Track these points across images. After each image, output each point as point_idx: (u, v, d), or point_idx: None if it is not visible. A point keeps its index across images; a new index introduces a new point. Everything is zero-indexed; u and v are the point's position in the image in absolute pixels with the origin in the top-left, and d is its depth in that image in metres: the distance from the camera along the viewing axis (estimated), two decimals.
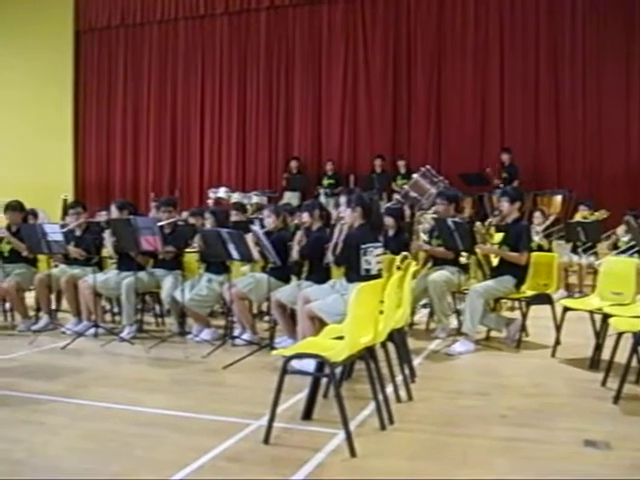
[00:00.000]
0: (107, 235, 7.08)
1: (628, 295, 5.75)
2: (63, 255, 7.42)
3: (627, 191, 11.92)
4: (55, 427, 4.23)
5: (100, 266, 7.48)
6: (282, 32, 14.57)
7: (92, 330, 6.93)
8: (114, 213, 7.31)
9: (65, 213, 7.98)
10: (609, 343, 5.20)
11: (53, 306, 7.75)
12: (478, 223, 6.66)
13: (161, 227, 6.86)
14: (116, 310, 7.86)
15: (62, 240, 7.02)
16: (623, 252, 8.78)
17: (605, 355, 5.33)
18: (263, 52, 14.70)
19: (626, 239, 9.27)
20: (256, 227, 6.44)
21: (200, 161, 15.23)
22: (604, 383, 5.00)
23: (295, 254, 6.20)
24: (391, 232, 7.09)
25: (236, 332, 6.68)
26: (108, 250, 7.27)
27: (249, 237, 6.27)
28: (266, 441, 3.87)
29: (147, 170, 15.71)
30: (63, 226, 7.38)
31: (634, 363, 4.79)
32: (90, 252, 7.30)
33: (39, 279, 7.36)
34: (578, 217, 10.12)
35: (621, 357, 4.79)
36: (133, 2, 15.66)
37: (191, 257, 7.25)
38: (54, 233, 6.97)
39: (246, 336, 6.56)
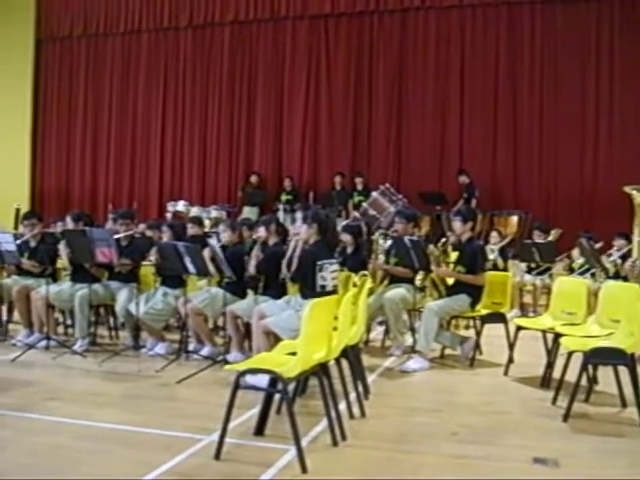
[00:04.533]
0: (62, 246, 6.97)
1: (580, 315, 5.85)
2: (16, 266, 7.28)
3: (581, 213, 12.17)
4: (2, 441, 4.15)
5: (54, 277, 7.36)
6: (246, 47, 14.56)
7: (44, 342, 6.78)
8: (69, 224, 7.21)
9: (17, 223, 7.83)
10: (560, 362, 5.27)
11: (4, 317, 7.60)
12: (431, 246, 6.71)
13: (117, 239, 6.79)
14: (69, 322, 7.72)
15: (15, 250, 6.90)
16: (581, 274, 8.90)
17: (556, 374, 5.41)
18: (226, 66, 14.66)
19: (581, 261, 9.42)
20: (213, 241, 6.41)
21: (160, 174, 15.09)
22: (554, 401, 5.07)
23: (252, 269, 6.19)
24: (349, 249, 7.10)
25: (191, 347, 6.62)
26: (63, 261, 7.16)
27: (206, 252, 6.24)
28: (217, 457, 3.85)
29: (107, 182, 15.50)
30: (16, 236, 7.26)
31: (583, 382, 4.89)
32: (44, 263, 7.17)
33: None
34: None
35: (571, 376, 4.86)
36: (96, 12, 15.45)
37: (147, 270, 7.17)
38: (7, 243, 6.86)
39: (205, 351, 6.50)
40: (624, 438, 4.46)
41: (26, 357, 6.43)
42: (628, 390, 4.88)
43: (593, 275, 8.75)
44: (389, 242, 7.43)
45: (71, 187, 15.81)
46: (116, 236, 6.78)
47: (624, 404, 5.04)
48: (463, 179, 12.47)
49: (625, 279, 7.87)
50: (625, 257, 8.49)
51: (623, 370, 4.91)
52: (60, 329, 7.66)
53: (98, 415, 4.70)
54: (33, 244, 7.30)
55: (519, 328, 6.02)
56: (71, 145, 15.86)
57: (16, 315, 7.53)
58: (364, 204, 11.77)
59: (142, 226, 8.42)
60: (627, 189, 6.63)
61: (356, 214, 11.64)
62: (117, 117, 15.45)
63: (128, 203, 14.35)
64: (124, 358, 6.53)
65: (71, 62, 15.87)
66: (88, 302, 6.76)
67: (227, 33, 14.68)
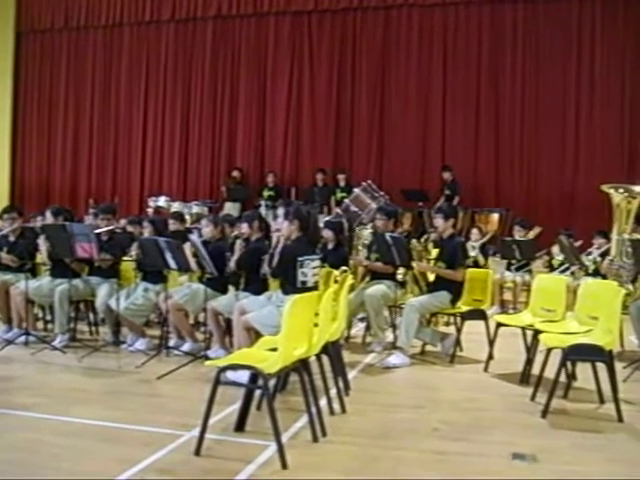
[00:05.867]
0: (42, 241, 6.92)
1: (559, 312, 5.90)
2: None
3: (561, 210, 12.27)
4: None
5: (33, 272, 7.30)
6: (228, 42, 14.50)
7: (23, 338, 6.75)
8: (49, 219, 7.16)
9: None
10: (540, 358, 5.31)
11: None
12: (414, 241, 6.74)
13: (98, 234, 6.75)
14: (49, 318, 7.68)
15: None
16: (563, 272, 8.96)
17: (535, 370, 5.45)
18: (208, 61, 14.59)
19: (560, 258, 9.50)
20: (194, 236, 6.39)
21: (141, 169, 15.00)
22: (533, 397, 5.12)
23: (232, 264, 6.18)
24: (331, 245, 7.11)
25: (171, 342, 6.60)
26: (42, 256, 7.10)
27: (187, 247, 6.23)
28: (197, 453, 3.85)
29: (88, 177, 15.38)
30: None
31: (562, 378, 4.93)
32: (23, 258, 7.11)
33: None
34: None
35: (550, 372, 4.89)
36: (77, 5, 15.29)
37: (128, 265, 7.14)
38: None
39: (186, 347, 6.48)
40: (602, 434, 4.50)
41: (5, 353, 6.40)
42: (606, 386, 4.93)
43: (572, 273, 8.82)
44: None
45: (52, 181, 15.68)
46: (97, 231, 6.75)
47: (602, 400, 5.08)
48: (447, 175, 12.51)
49: (604, 277, 7.96)
50: (604, 255, 8.57)
51: (601, 367, 4.96)
52: (40, 324, 7.61)
53: (78, 411, 4.68)
54: (12, 239, 7.23)
55: (499, 325, 6.05)
56: (52, 139, 15.72)
57: None
58: (346, 200, 11.78)
59: (123, 221, 8.38)
60: (605, 188, 6.67)
61: (338, 210, 11.65)
62: (99, 111, 15.33)
63: (110, 198, 14.27)
64: (104, 354, 6.50)
65: (52, 55, 15.72)
66: (68, 297, 6.72)
67: (210, 28, 14.60)
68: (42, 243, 6.90)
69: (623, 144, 12.28)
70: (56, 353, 6.47)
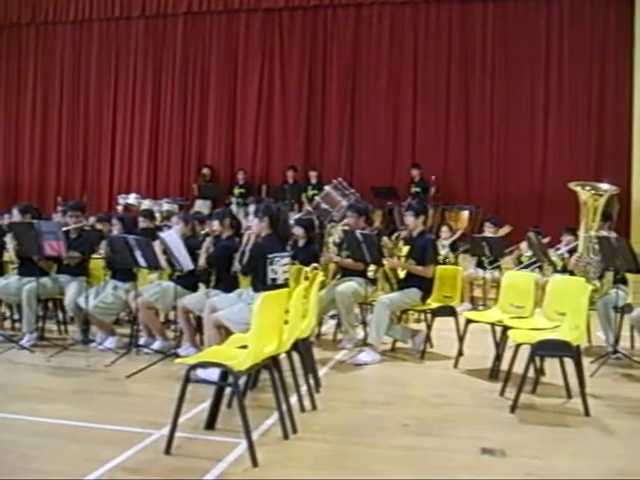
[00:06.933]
0: (9, 239, 6.84)
1: (527, 308, 5.96)
2: None
3: (530, 208, 12.39)
4: None
5: (0, 271, 7.21)
6: (199, 39, 14.43)
7: None
8: (16, 217, 7.07)
9: None
10: (509, 354, 5.36)
11: None
12: (385, 238, 6.77)
13: (66, 232, 6.69)
14: (16, 317, 7.58)
15: None
16: (526, 267, 9.08)
17: (504, 366, 5.50)
18: (179, 58, 14.50)
19: (529, 254, 9.60)
20: (169, 232, 6.35)
21: (111, 166, 14.87)
22: (502, 393, 5.17)
23: (202, 261, 6.16)
24: (301, 242, 7.11)
25: (142, 341, 6.56)
26: (9, 254, 7.01)
27: (156, 244, 6.19)
28: (167, 451, 3.83)
29: (57, 174, 15.21)
30: None
31: (530, 373, 4.98)
32: None
33: None
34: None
35: (519, 368, 4.95)
36: None
37: (97, 263, 7.08)
38: None
39: (156, 345, 6.45)
40: (569, 428, 4.56)
41: None
42: (573, 381, 4.99)
43: (540, 268, 8.92)
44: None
45: (19, 178, 15.48)
46: (65, 228, 6.68)
47: (569, 395, 5.15)
48: (415, 173, 12.57)
49: (572, 273, 8.05)
50: (572, 252, 8.67)
51: (569, 362, 5.03)
52: (7, 323, 7.51)
53: (46, 411, 4.63)
54: None
55: (469, 321, 6.11)
56: (20, 135, 15.52)
57: None
58: (317, 198, 11.80)
59: (92, 219, 8.30)
60: (572, 185, 6.74)
61: (309, 208, 11.66)
62: (67, 107, 15.17)
63: (79, 195, 14.12)
64: (73, 353, 6.43)
65: (19, 50, 15.50)
66: (36, 296, 6.63)
67: (180, 24, 14.50)
68: (9, 241, 6.82)
69: (590, 142, 12.45)
70: (24, 352, 6.39)
